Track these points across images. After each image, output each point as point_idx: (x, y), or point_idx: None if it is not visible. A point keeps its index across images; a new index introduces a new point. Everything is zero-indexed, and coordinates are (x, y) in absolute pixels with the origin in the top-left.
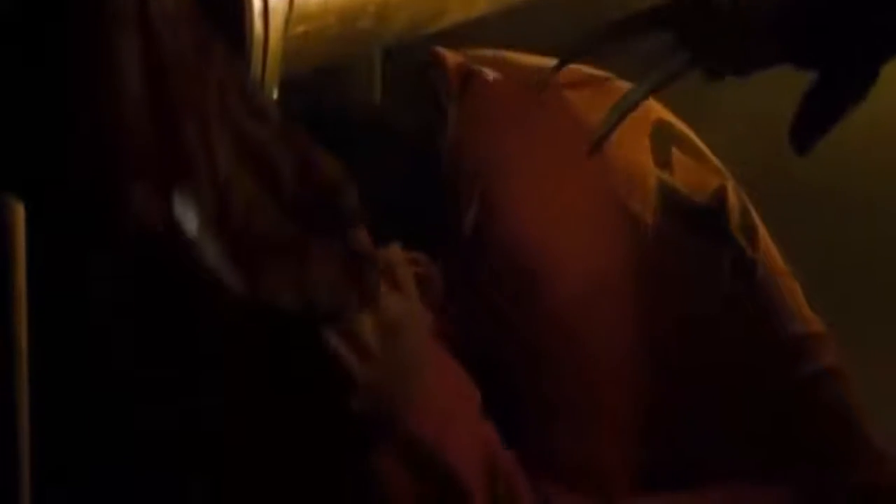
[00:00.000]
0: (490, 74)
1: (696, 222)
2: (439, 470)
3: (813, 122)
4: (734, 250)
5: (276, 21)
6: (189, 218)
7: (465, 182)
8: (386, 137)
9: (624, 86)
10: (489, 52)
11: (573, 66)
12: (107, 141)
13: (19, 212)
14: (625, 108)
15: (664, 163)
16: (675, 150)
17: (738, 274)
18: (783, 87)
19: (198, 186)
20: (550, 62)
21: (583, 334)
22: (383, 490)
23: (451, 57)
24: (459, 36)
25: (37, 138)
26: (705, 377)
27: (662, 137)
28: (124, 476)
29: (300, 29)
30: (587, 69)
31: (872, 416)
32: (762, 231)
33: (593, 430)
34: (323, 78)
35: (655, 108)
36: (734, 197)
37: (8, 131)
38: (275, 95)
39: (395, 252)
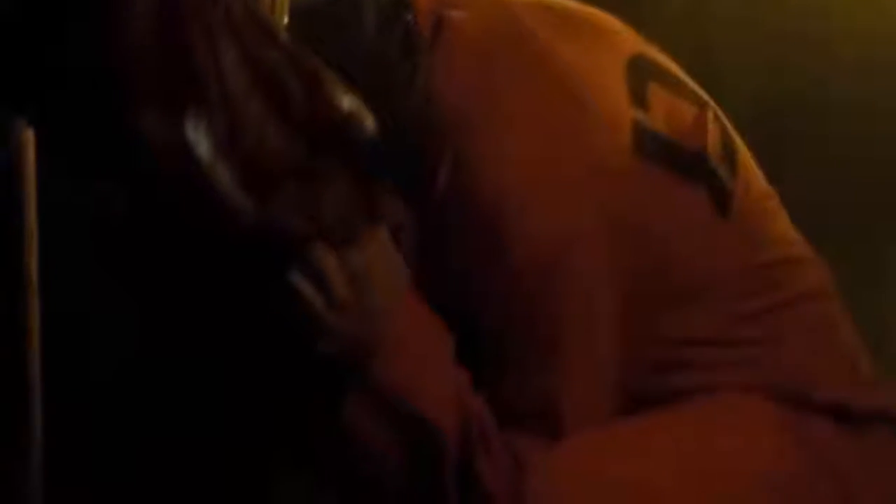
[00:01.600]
0: (459, 16)
1: (673, 161)
2: (411, 414)
3: None
4: (712, 185)
5: None
6: (201, 141)
7: (437, 139)
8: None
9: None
10: None
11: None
12: (117, 64)
13: (29, 136)
14: None
15: (640, 101)
16: (652, 86)
17: (716, 207)
18: None
19: (209, 110)
20: None
21: (554, 286)
22: (356, 434)
23: (423, 2)
24: None
25: (46, 62)
26: (685, 310)
27: (639, 74)
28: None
29: None
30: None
31: None
32: (743, 156)
33: (562, 378)
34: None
35: (630, 42)
36: (714, 125)
37: (17, 56)
38: (285, 20)
39: None
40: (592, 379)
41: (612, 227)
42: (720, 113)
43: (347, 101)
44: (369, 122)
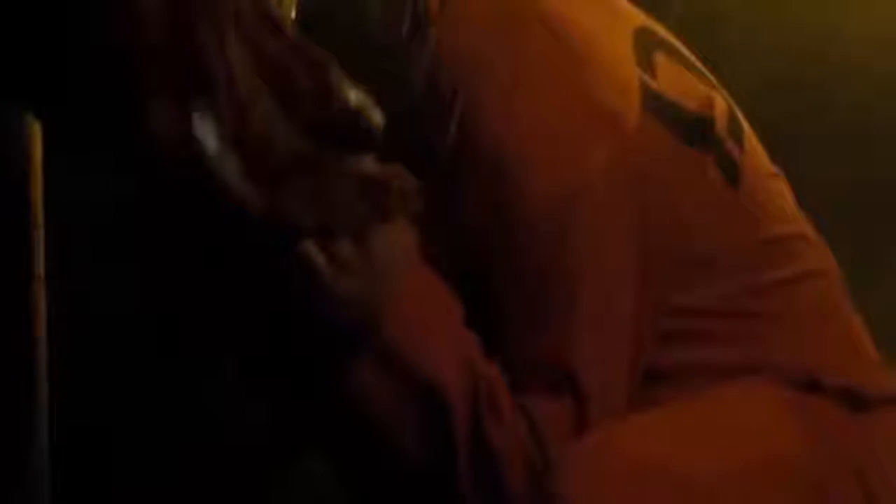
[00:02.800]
0: None
1: (681, 125)
2: (419, 379)
3: None
4: (720, 155)
5: None
6: (208, 135)
7: (446, 98)
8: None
9: None
10: None
11: None
12: (125, 56)
13: (36, 130)
14: None
15: (647, 66)
16: (659, 56)
17: (725, 177)
18: None
19: (217, 104)
20: None
21: (564, 240)
22: (363, 398)
23: None
24: None
25: (54, 54)
26: (694, 277)
27: (644, 44)
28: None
29: None
30: None
31: None
32: (749, 134)
33: (575, 334)
34: None
35: (636, 16)
36: (721, 100)
37: (26, 49)
38: (293, 14)
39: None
40: (608, 335)
41: (625, 182)
42: (726, 93)
43: (355, 95)
44: (377, 116)
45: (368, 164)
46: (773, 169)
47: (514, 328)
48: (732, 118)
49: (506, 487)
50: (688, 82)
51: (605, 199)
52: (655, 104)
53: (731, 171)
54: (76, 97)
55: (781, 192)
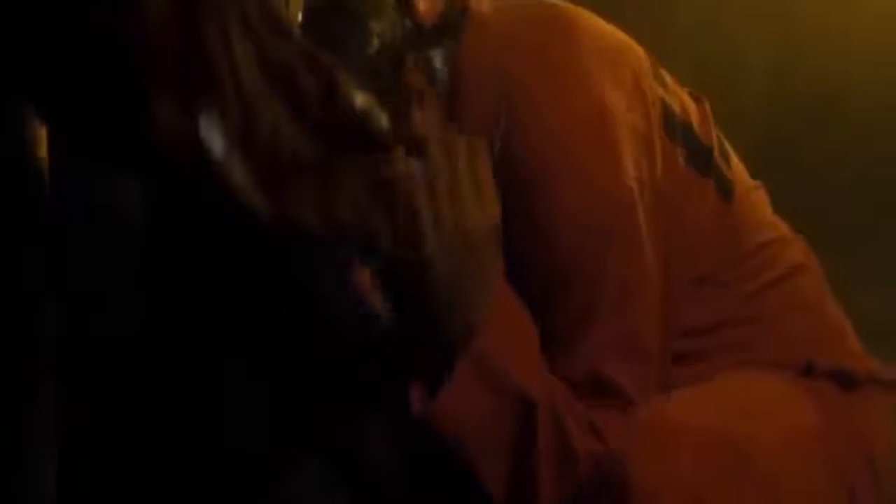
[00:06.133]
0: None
1: (690, 149)
2: (511, 385)
3: None
4: (718, 177)
5: None
6: (215, 137)
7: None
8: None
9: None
10: None
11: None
12: (131, 58)
13: (42, 130)
14: None
15: (661, 82)
16: (664, 71)
17: (719, 199)
18: None
19: (223, 106)
20: None
21: (593, 251)
22: (458, 404)
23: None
24: None
25: (61, 54)
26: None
27: (652, 59)
28: None
29: None
30: None
31: None
32: (728, 148)
33: (603, 345)
34: None
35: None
36: (710, 118)
37: (30, 45)
38: (298, 17)
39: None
40: (636, 346)
41: (653, 201)
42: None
43: (361, 99)
44: (383, 119)
45: (375, 165)
46: (753, 182)
47: (559, 341)
48: (719, 136)
49: (585, 493)
50: (686, 99)
51: (639, 217)
52: (671, 123)
53: (726, 191)
54: (81, 96)
55: (763, 201)
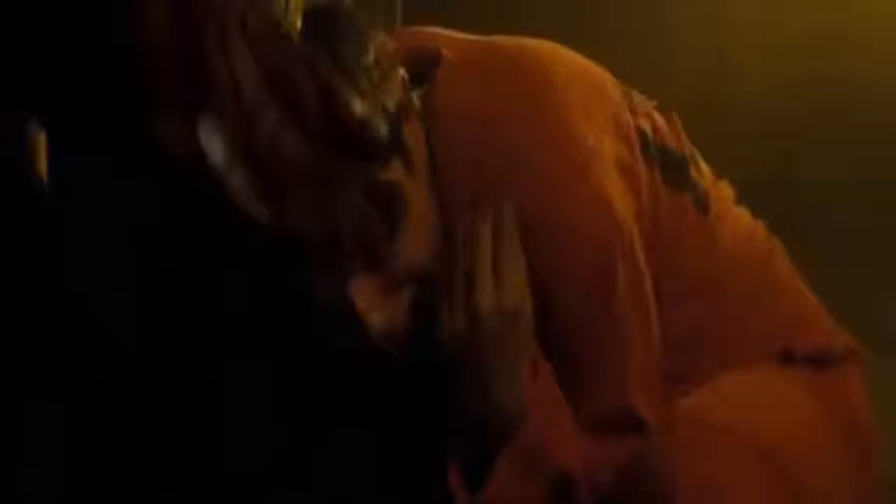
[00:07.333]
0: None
1: (668, 170)
2: (552, 467)
3: None
4: (695, 192)
5: None
6: (214, 145)
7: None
8: None
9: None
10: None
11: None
12: (131, 66)
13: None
14: None
15: (632, 107)
16: (633, 92)
17: (696, 213)
18: None
19: (223, 114)
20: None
21: (605, 303)
22: (503, 495)
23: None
24: None
25: (61, 63)
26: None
27: (621, 83)
28: None
29: None
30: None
31: None
32: (698, 154)
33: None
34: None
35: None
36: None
37: (31, 56)
38: (298, 25)
39: None
40: (651, 370)
41: (638, 226)
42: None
43: (361, 108)
44: (382, 127)
45: (375, 173)
46: (714, 178)
47: (582, 384)
48: (690, 145)
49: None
50: (655, 116)
51: (637, 255)
52: (649, 150)
53: (703, 206)
54: (80, 101)
55: (728, 195)
